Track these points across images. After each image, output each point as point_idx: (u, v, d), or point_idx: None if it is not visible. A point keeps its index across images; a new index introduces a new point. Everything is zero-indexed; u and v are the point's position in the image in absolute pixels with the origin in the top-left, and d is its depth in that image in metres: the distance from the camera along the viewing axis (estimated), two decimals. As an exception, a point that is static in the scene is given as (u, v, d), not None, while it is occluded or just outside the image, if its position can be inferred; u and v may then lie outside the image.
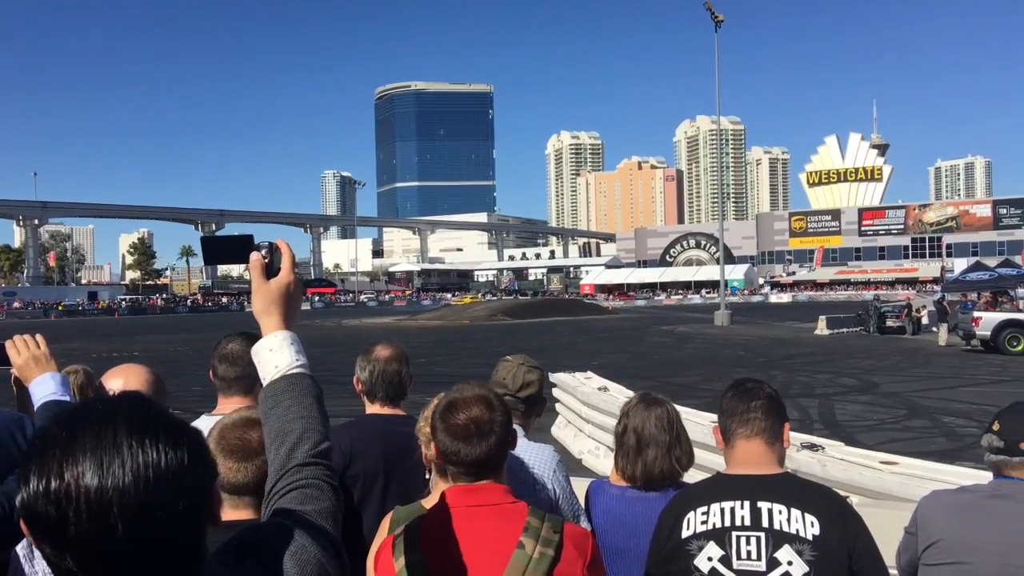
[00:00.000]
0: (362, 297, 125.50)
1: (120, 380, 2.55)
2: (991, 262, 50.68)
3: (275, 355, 1.66)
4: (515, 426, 2.87)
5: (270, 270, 1.71)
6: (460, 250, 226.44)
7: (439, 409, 2.12)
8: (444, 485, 2.40)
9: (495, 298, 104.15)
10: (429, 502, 2.43)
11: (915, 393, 16.88)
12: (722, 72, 49.07)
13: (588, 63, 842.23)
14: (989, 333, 25.15)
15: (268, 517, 1.48)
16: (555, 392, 12.22)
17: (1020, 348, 24.41)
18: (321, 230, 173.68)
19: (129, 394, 1.08)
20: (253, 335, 3.17)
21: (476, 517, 1.97)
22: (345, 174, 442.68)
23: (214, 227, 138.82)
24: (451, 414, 2.06)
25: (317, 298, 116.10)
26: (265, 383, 1.66)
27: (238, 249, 1.74)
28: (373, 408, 3.13)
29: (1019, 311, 26.43)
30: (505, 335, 40.16)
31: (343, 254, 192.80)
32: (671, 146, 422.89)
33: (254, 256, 1.69)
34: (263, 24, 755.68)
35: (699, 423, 7.09)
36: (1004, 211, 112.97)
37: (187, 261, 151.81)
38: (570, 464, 10.47)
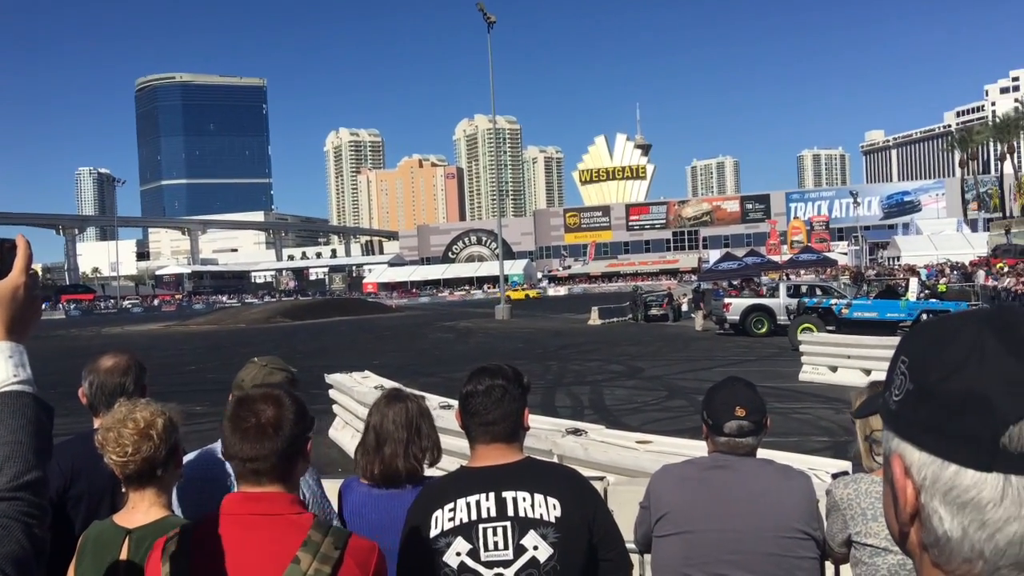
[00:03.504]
0: (125, 303, 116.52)
1: None
2: (740, 252, 55.68)
3: None
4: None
5: None
6: (235, 251, 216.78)
7: (229, 406, 1.99)
8: (139, 500, 2.25)
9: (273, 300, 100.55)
10: (121, 518, 2.27)
11: (674, 375, 18.20)
12: (497, 72, 50.42)
13: (365, 60, 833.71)
14: (738, 317, 27.59)
15: None
16: (332, 393, 11.96)
17: (764, 330, 26.92)
18: (76, 231, 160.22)
19: None
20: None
21: (253, 527, 1.83)
22: (103, 171, 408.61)
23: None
24: (239, 411, 1.93)
25: (73, 305, 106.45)
26: None
27: None
28: (99, 422, 2.86)
29: (763, 296, 29.14)
30: (284, 337, 38.84)
31: (103, 257, 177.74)
32: (451, 144, 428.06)
33: None
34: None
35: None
36: (750, 206, 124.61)
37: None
38: (347, 465, 10.26)
